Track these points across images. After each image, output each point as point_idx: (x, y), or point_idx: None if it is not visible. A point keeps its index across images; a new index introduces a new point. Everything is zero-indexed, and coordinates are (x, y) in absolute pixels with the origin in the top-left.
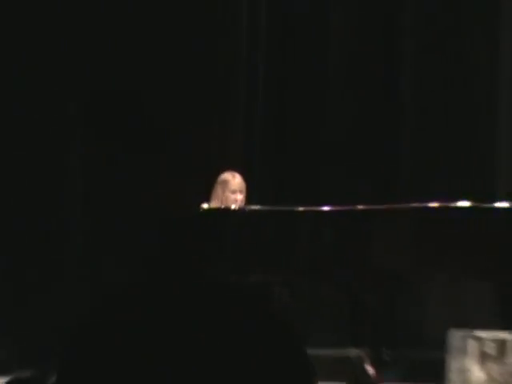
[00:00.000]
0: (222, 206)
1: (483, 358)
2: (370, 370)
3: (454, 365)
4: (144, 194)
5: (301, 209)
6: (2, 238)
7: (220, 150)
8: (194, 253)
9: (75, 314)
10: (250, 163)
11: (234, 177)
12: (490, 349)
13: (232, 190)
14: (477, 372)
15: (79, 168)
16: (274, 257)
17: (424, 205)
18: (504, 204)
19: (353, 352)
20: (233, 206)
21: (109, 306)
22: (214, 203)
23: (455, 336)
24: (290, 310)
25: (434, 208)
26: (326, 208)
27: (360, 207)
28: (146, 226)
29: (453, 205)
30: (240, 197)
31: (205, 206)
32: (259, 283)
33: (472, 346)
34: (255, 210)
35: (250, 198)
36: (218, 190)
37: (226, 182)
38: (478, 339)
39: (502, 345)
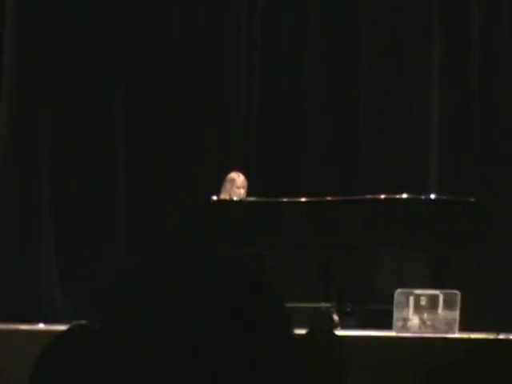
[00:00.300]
0: (230, 198)
1: (419, 309)
2: (336, 318)
3: (398, 315)
4: (160, 189)
5: (285, 199)
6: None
7: (221, 151)
8: (207, 233)
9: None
10: (248, 164)
11: (238, 176)
12: (424, 302)
13: (237, 186)
14: (414, 320)
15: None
16: (265, 236)
17: (375, 196)
18: (432, 196)
19: (323, 305)
20: (235, 198)
21: (137, 275)
22: (224, 196)
23: (400, 293)
24: (276, 275)
25: (381, 199)
26: (303, 199)
27: (329, 198)
28: (167, 214)
29: (395, 196)
30: (243, 191)
31: (214, 197)
32: (253, 255)
33: (411, 300)
34: (251, 201)
35: (250, 191)
36: (226, 186)
37: (233, 180)
38: (416, 295)
39: (432, 299)
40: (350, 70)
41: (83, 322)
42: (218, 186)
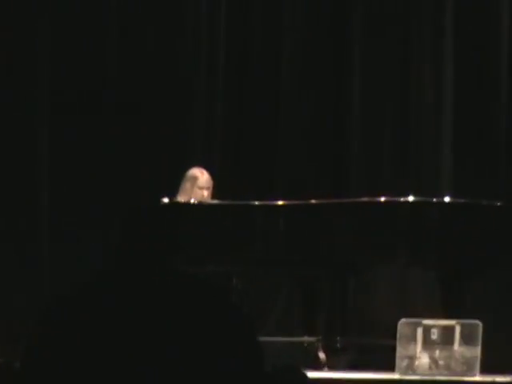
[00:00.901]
0: (187, 201)
1: (430, 344)
2: (322, 356)
3: (402, 352)
4: (109, 188)
5: (256, 203)
6: None
7: (181, 146)
8: (156, 244)
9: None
10: (210, 160)
11: (202, 174)
12: (436, 335)
13: (200, 187)
14: (423, 358)
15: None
16: (233, 248)
17: (372, 199)
18: (446, 199)
19: (306, 339)
20: (192, 200)
21: (73, 297)
22: (182, 197)
23: (404, 324)
24: (247, 299)
25: (380, 202)
26: (280, 202)
27: (313, 201)
28: (110, 218)
29: (398, 199)
30: (206, 193)
31: (165, 200)
32: (217, 273)
33: (419, 333)
34: (215, 205)
35: (214, 193)
36: (186, 186)
37: (194, 178)
38: (426, 327)
39: (446, 331)
40: (340, 47)
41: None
42: (173, 186)
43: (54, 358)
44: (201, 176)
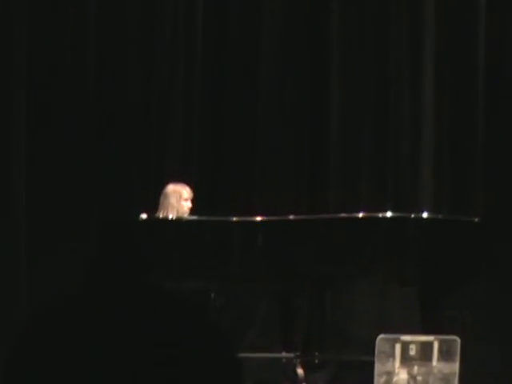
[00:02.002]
0: (164, 217)
1: (408, 360)
2: (300, 372)
3: (380, 368)
4: (82, 202)
5: (234, 219)
6: None
7: (158, 160)
8: (134, 260)
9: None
10: (188, 175)
11: (184, 187)
12: (414, 351)
13: (186, 198)
14: (401, 374)
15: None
16: (210, 265)
17: (350, 215)
18: (425, 214)
19: (284, 355)
20: (170, 216)
21: (47, 315)
22: (166, 212)
23: (382, 340)
24: (225, 315)
25: (359, 218)
26: (258, 218)
27: (291, 217)
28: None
29: (376, 215)
30: (190, 205)
31: (144, 216)
32: (195, 290)
33: (398, 349)
34: (192, 221)
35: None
36: (170, 201)
37: (179, 193)
38: (404, 343)
39: (425, 347)
40: (318, 55)
41: None
42: (151, 199)
43: (33, 371)
44: (184, 189)
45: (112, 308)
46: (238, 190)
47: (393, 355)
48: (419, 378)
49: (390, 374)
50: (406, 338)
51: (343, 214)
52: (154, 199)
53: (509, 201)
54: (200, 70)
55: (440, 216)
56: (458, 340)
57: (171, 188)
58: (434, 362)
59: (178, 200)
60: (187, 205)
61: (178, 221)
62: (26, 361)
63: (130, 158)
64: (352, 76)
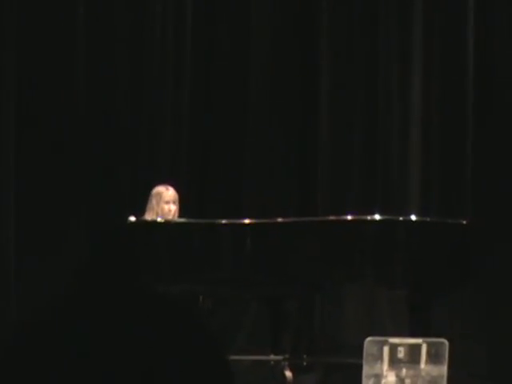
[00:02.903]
0: (153, 219)
1: (396, 363)
2: (289, 374)
3: (368, 370)
4: (74, 207)
5: (223, 221)
6: None
7: (149, 163)
8: (122, 264)
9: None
10: (177, 178)
11: (167, 189)
12: (403, 354)
13: (166, 201)
14: (390, 376)
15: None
16: (199, 268)
17: (338, 218)
18: (413, 217)
19: (272, 358)
20: (159, 219)
21: (39, 319)
22: (149, 215)
23: (371, 343)
24: (213, 318)
25: (347, 221)
26: (246, 220)
27: (280, 220)
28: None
29: (364, 218)
30: (174, 207)
31: (132, 218)
32: (184, 292)
33: (386, 352)
34: (180, 223)
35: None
36: (152, 203)
37: (159, 194)
38: (392, 345)
39: (413, 350)
40: (307, 67)
41: None
42: (140, 203)
43: (21, 379)
44: (165, 191)
45: (101, 312)
46: (227, 192)
47: (381, 358)
48: (407, 381)
49: (378, 377)
50: (395, 340)
51: (332, 217)
52: (143, 200)
53: (497, 202)
54: (190, 69)
55: (428, 219)
56: (446, 343)
57: (154, 190)
58: (423, 365)
59: (158, 202)
60: (168, 207)
61: (164, 223)
62: (15, 368)
63: (119, 159)
64: (341, 77)
